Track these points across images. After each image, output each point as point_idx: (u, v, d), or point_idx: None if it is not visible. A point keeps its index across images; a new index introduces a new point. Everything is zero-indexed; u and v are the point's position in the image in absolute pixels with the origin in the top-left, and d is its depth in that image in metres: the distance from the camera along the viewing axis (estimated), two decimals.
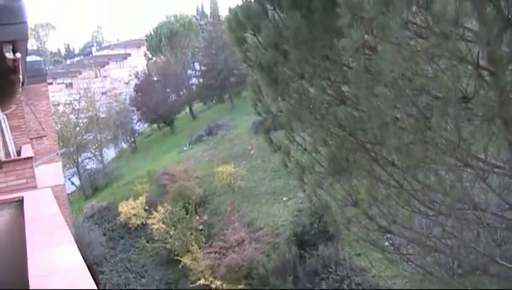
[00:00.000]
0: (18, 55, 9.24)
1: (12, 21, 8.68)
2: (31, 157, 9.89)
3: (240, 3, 8.87)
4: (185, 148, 47.67)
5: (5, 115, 12.27)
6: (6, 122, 12.00)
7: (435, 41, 6.50)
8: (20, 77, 11.59)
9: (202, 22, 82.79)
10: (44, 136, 18.44)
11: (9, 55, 8.97)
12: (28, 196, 5.50)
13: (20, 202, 5.43)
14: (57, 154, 19.13)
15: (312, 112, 8.38)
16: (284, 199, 30.44)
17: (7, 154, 11.26)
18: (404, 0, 6.49)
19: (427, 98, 7.14)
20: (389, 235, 9.81)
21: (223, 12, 56.96)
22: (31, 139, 16.08)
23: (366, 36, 6.94)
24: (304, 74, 8.30)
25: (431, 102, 7.09)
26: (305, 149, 9.28)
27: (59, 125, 45.88)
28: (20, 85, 13.23)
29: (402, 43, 6.58)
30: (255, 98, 9.40)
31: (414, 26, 6.91)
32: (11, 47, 8.96)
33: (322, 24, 7.38)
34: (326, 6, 7.05)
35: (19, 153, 11.87)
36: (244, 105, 44.58)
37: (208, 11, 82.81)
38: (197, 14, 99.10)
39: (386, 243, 10.79)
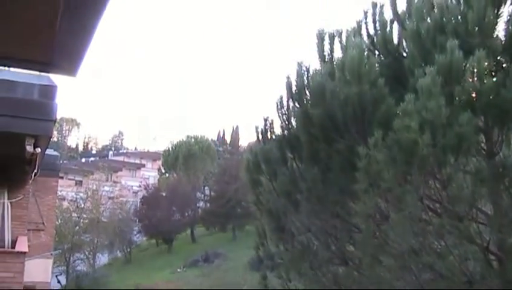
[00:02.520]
0: (38, 150, 9.25)
1: (41, 117, 8.71)
2: (25, 253, 9.74)
3: (262, 144, 9.01)
4: (178, 270, 46.74)
5: (10, 203, 12.23)
6: (9, 211, 11.93)
7: (448, 222, 6.50)
8: (35, 170, 11.66)
9: (220, 148, 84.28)
10: (43, 230, 18.25)
11: (29, 148, 8.97)
12: None
13: None
14: (51, 254, 18.82)
15: (313, 268, 8.26)
16: None
17: (1, 242, 11.10)
18: (422, 175, 6.56)
19: (431, 275, 7.04)
20: None
21: (243, 142, 58.08)
22: (28, 230, 15.90)
23: (379, 200, 6.97)
24: (311, 227, 8.28)
25: (434, 279, 6.98)
26: None
27: (59, 221, 45.46)
28: (32, 176, 13.28)
29: (414, 218, 6.58)
30: (259, 242, 9.34)
31: (428, 199, 6.94)
32: (33, 141, 8.96)
33: (337, 183, 7.45)
34: (344, 167, 7.15)
35: (13, 243, 11.70)
36: (246, 238, 44.19)
37: (228, 137, 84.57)
38: (217, 139, 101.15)
39: None
